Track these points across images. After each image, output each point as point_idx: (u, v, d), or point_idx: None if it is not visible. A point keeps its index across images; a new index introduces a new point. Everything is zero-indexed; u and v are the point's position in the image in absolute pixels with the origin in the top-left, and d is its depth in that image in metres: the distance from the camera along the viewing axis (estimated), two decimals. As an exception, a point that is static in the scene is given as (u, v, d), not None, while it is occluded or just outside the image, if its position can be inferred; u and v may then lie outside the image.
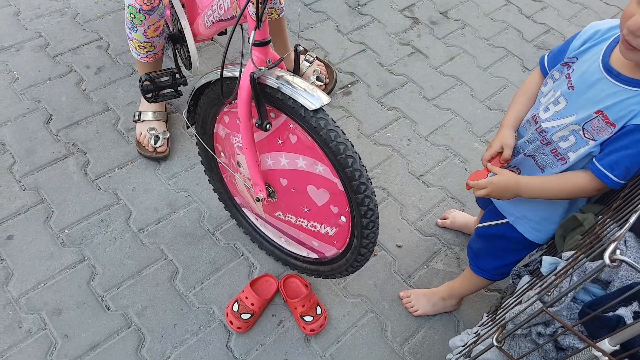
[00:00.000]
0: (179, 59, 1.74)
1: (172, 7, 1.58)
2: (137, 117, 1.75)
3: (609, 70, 0.93)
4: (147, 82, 1.51)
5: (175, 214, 1.63)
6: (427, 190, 1.79)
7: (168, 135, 1.75)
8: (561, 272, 0.88)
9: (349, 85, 2.09)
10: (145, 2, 1.39)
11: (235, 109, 1.15)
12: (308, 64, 2.03)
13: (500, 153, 1.14)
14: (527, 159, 1.11)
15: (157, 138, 1.71)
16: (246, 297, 1.41)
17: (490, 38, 2.39)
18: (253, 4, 0.97)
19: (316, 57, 2.08)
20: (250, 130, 1.17)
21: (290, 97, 1.05)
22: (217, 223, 1.63)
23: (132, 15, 1.44)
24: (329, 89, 2.03)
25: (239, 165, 1.34)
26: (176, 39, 1.68)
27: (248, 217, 1.52)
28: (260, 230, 1.50)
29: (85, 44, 2.04)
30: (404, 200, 1.75)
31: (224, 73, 1.12)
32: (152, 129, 1.73)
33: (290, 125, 1.14)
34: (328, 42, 2.24)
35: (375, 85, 2.10)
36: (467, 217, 1.66)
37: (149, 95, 1.55)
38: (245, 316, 1.39)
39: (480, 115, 2.07)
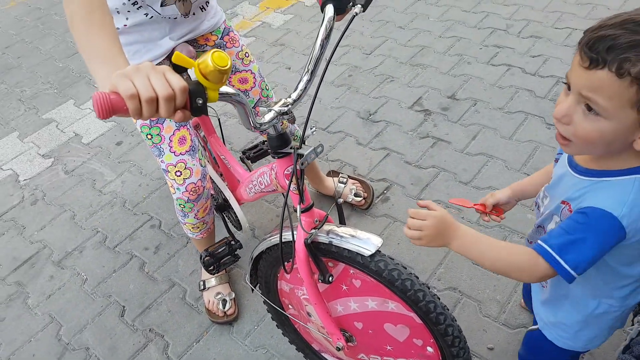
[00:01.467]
0: (228, 223, 1.86)
1: (213, 181, 1.71)
2: (202, 287, 1.84)
3: (571, 163, 0.96)
4: (207, 258, 1.62)
5: (259, 374, 1.65)
6: (498, 277, 1.76)
7: (234, 296, 1.82)
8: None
9: (385, 192, 2.16)
10: (191, 193, 1.52)
11: (295, 266, 1.21)
12: (343, 185, 2.11)
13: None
14: (538, 230, 1.11)
15: (224, 302, 1.78)
16: None
17: (504, 106, 2.44)
18: (295, 186, 1.10)
19: (348, 176, 2.17)
20: (315, 286, 1.22)
21: (344, 248, 1.11)
22: (302, 372, 1.63)
23: (182, 206, 1.57)
24: (368, 202, 2.09)
25: (310, 315, 1.38)
26: (223, 207, 1.81)
27: (330, 362, 1.52)
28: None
29: (139, 227, 2.20)
30: (479, 296, 1.72)
31: (277, 240, 1.21)
32: (219, 293, 1.80)
33: (351, 271, 1.19)
34: (353, 157, 2.34)
35: (409, 185, 2.16)
36: None
37: (211, 268, 1.65)
38: None
39: (521, 184, 2.07)
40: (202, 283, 1.85)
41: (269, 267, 1.35)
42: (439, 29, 3.05)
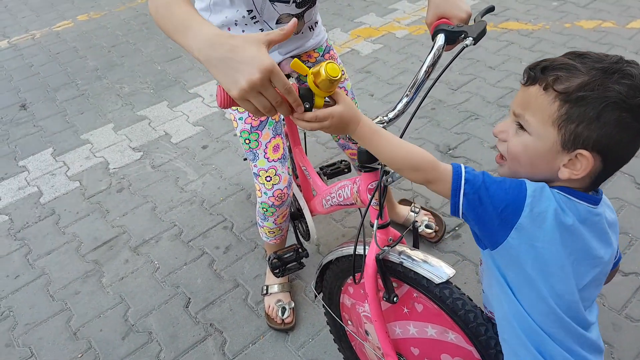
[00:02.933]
0: (298, 232, 1.90)
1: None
2: (264, 292, 1.88)
3: None
4: (275, 260, 1.66)
5: (308, 385, 1.65)
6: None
7: (293, 306, 1.85)
8: None
9: (457, 228, 2.12)
10: (276, 198, 1.57)
11: (362, 281, 1.22)
12: (415, 215, 2.11)
13: None
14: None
15: (284, 309, 1.81)
16: None
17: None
18: (377, 202, 1.13)
19: (421, 207, 2.16)
20: (378, 303, 1.22)
21: (414, 271, 1.11)
22: (351, 391, 1.62)
23: (264, 209, 1.63)
24: (439, 236, 2.07)
25: (367, 334, 1.37)
26: (295, 216, 1.87)
27: (382, 383, 1.50)
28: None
29: (213, 226, 2.29)
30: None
31: (349, 251, 1.22)
32: (279, 300, 1.84)
33: (415, 295, 1.18)
34: (427, 190, 2.32)
35: (483, 225, 2.11)
36: None
37: (277, 270, 1.69)
38: None
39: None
40: (265, 288, 1.89)
41: (335, 278, 1.37)
42: (530, 73, 3.00)
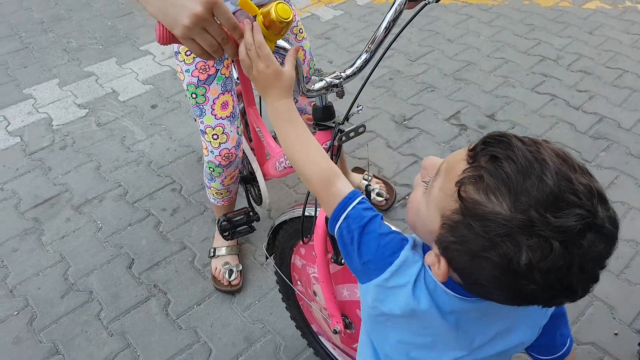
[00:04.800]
0: (250, 196, 1.87)
1: (243, 152, 1.72)
2: (212, 254, 1.85)
3: None
4: (224, 222, 1.63)
5: (252, 348, 1.65)
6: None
7: (241, 268, 1.83)
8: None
9: (407, 197, 2.14)
10: (223, 158, 1.53)
11: (311, 243, 1.21)
12: (367, 183, 2.10)
13: None
14: None
15: (230, 272, 1.79)
16: None
17: (542, 135, 2.41)
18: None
19: (373, 175, 2.16)
20: (327, 265, 1.21)
21: None
22: (294, 355, 1.62)
23: (211, 169, 1.58)
24: (389, 204, 2.08)
25: (315, 295, 1.37)
26: (247, 180, 1.82)
27: (325, 347, 1.51)
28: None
29: (160, 188, 2.22)
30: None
31: (299, 213, 1.21)
32: (226, 263, 1.81)
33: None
34: (380, 159, 2.33)
35: (433, 194, 2.14)
36: None
37: (226, 233, 1.66)
38: None
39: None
40: (212, 250, 1.86)
41: (287, 238, 1.35)
42: (488, 48, 3.03)
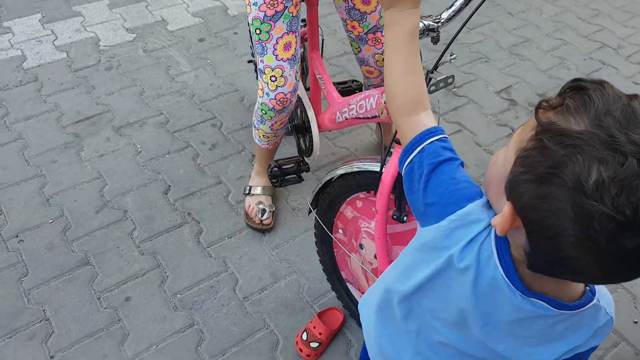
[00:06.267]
0: (299, 146, 1.84)
1: (299, 99, 1.68)
2: (247, 191, 1.85)
3: None
4: (275, 169, 1.62)
5: (277, 284, 1.66)
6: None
7: (274, 209, 1.83)
8: None
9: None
10: (278, 102, 1.50)
11: (372, 198, 1.18)
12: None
13: None
14: None
15: (263, 211, 1.79)
16: (314, 327, 1.51)
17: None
18: None
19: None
20: (385, 223, 1.18)
21: None
22: (316, 296, 1.64)
23: (264, 111, 1.55)
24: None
25: (362, 248, 1.36)
26: (299, 128, 1.78)
27: (351, 293, 1.52)
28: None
29: (201, 122, 2.22)
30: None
31: (363, 167, 1.19)
32: (260, 202, 1.81)
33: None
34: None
35: (472, 165, 2.10)
36: None
37: (275, 180, 1.64)
38: (314, 345, 1.49)
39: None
40: (248, 188, 1.86)
41: (343, 190, 1.31)
42: (548, 27, 2.92)
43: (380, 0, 0.76)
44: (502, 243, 0.65)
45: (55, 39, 2.63)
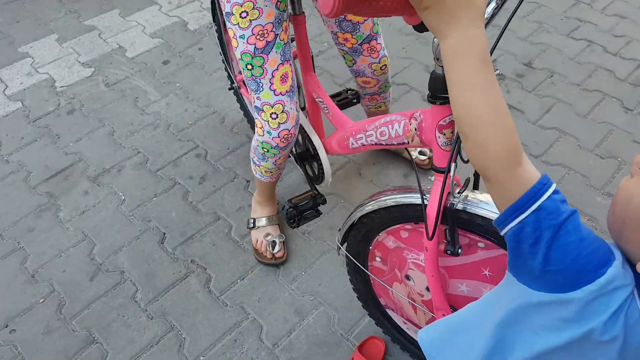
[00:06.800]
0: (307, 175, 1.70)
1: (301, 127, 1.52)
2: (251, 225, 1.71)
3: None
4: (291, 209, 1.49)
5: (304, 322, 1.54)
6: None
7: (284, 239, 1.69)
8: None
9: (449, 155, 2.00)
10: (282, 140, 1.36)
11: (420, 229, 1.07)
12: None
13: None
14: None
15: (274, 243, 1.66)
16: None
17: (581, 83, 2.27)
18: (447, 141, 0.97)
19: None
20: (437, 260, 1.06)
21: (482, 216, 0.95)
22: (349, 326, 1.52)
23: (265, 149, 1.41)
24: (432, 163, 1.94)
25: (409, 279, 1.23)
26: (305, 156, 1.64)
27: (392, 319, 1.40)
28: (407, 333, 1.39)
29: (183, 154, 2.05)
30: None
31: (403, 200, 1.07)
32: (268, 234, 1.67)
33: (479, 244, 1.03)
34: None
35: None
36: None
37: (292, 220, 1.52)
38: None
39: (594, 166, 1.92)
40: (251, 221, 1.72)
41: (384, 221, 1.17)
42: (519, -10, 2.82)
43: (430, 28, 0.63)
44: None
45: (6, 88, 2.41)
